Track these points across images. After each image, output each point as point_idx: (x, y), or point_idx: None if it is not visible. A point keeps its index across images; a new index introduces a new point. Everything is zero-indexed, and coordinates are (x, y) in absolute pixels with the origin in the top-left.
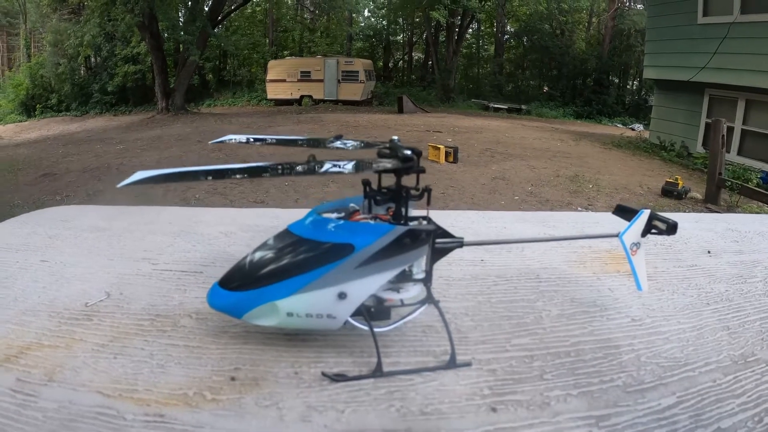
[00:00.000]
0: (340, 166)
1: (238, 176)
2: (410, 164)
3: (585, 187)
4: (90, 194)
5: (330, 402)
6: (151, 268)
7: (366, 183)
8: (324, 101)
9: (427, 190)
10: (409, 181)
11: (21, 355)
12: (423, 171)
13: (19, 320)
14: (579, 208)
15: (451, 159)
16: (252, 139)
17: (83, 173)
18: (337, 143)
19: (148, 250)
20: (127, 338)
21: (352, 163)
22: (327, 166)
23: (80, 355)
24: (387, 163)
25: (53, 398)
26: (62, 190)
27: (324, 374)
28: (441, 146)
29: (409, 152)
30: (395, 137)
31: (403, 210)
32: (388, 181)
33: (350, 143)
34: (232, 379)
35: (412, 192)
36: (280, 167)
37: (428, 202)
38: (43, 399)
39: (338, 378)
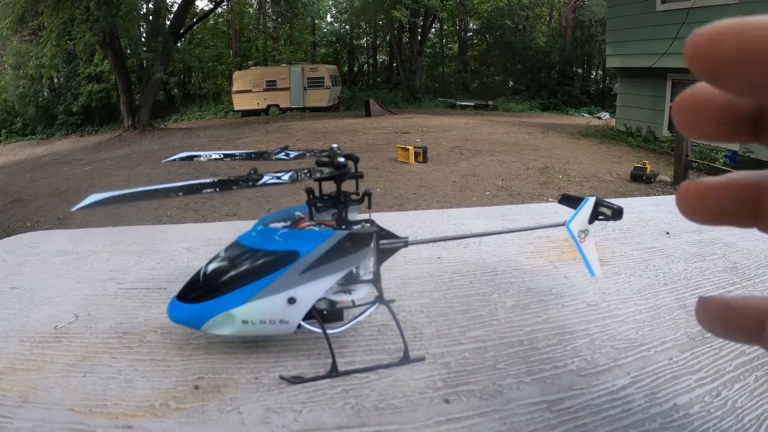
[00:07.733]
0: (279, 178)
1: (180, 194)
2: (345, 171)
3: (555, 177)
4: (60, 218)
5: (288, 403)
6: (117, 288)
7: (309, 191)
8: (291, 109)
9: (368, 193)
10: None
11: None
12: (361, 176)
13: None
14: (550, 199)
15: (420, 159)
16: (222, 155)
17: (53, 197)
18: (281, 154)
19: (113, 270)
20: (95, 357)
21: (289, 173)
22: (266, 178)
23: (52, 376)
24: (319, 172)
25: (28, 418)
26: (32, 216)
27: (282, 377)
28: (410, 147)
29: (343, 159)
30: (335, 145)
31: (344, 215)
32: (332, 187)
33: (293, 153)
34: (196, 387)
35: (353, 197)
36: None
37: (369, 206)
38: (19, 419)
39: (295, 380)
